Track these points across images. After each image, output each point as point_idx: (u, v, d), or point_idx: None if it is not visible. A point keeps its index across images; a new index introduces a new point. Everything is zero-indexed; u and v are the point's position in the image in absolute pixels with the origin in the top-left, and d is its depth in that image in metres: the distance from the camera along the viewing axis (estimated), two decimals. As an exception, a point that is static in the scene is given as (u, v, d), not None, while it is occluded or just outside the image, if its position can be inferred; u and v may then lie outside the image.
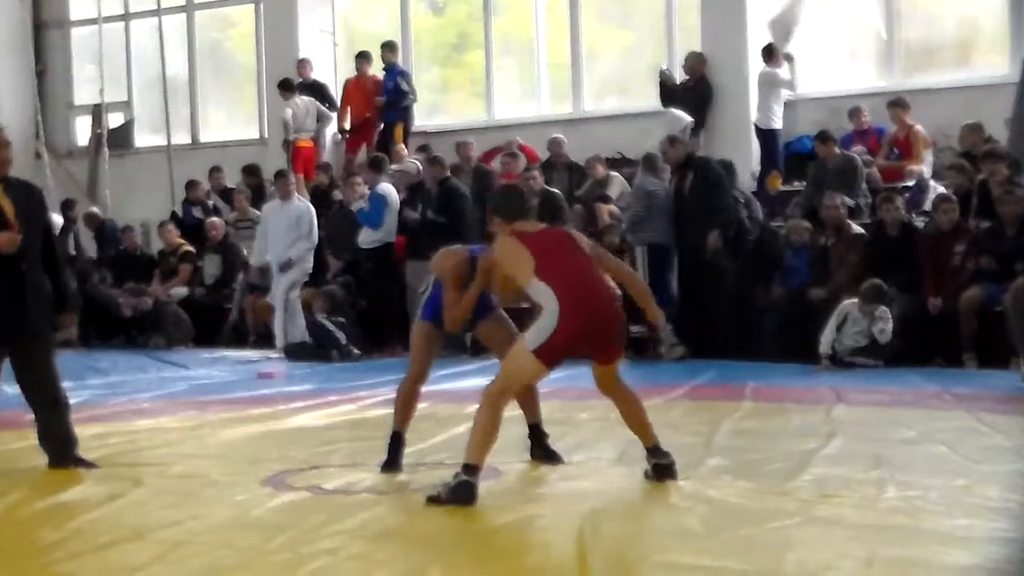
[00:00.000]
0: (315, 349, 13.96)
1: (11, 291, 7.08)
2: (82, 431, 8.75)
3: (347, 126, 17.91)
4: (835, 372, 11.31)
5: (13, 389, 10.87)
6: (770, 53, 15.07)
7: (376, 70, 17.56)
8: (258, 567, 5.12)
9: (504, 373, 6.26)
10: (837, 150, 13.89)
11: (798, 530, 5.49)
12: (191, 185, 18.25)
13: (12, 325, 7.12)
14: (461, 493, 5.93)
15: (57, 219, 15.71)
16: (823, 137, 14.00)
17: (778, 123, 15.07)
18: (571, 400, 9.14)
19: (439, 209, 14.00)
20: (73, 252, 17.87)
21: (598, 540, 5.27)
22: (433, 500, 5.99)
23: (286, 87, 17.58)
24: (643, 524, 5.68)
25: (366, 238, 14.72)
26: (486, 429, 6.09)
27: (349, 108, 17.82)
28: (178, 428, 9.06)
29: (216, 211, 17.72)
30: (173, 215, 18.25)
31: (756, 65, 15.31)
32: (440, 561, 5.09)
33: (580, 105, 17.45)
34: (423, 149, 14.91)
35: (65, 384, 11.37)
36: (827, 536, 5.36)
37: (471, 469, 5.99)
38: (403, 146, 16.86)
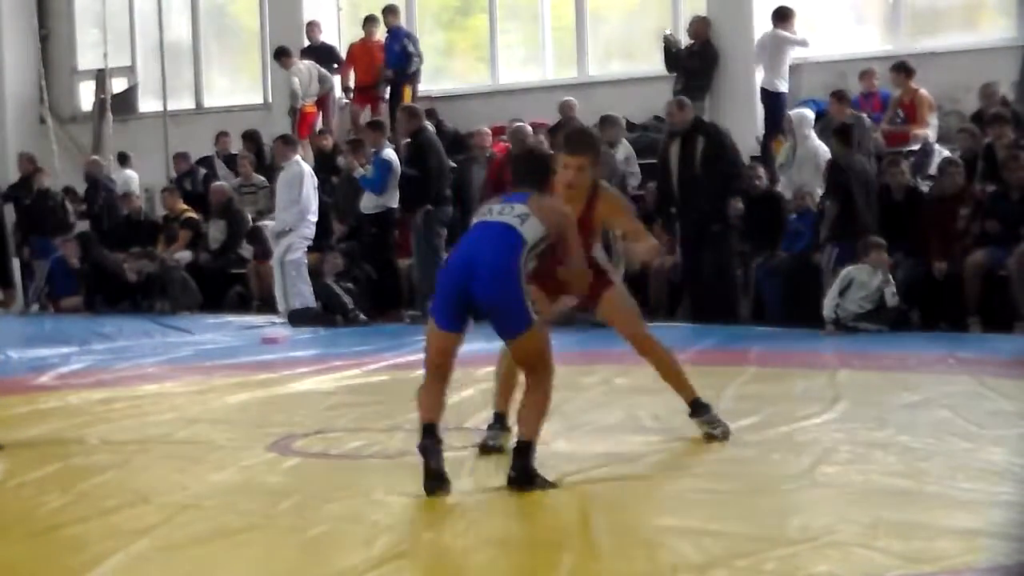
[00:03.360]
0: (319, 314, 13.97)
1: None
2: (87, 396, 8.83)
3: (351, 85, 17.85)
4: (839, 337, 11.31)
5: (18, 354, 11.00)
6: (780, 16, 14.96)
7: (382, 34, 17.49)
8: (264, 531, 5.13)
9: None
10: (848, 111, 13.88)
11: (802, 494, 5.51)
12: (177, 157, 18.32)
13: None
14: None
15: None
16: (838, 96, 13.94)
17: (784, 86, 15.01)
18: (576, 365, 9.16)
19: (410, 161, 14.00)
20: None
21: (601, 504, 5.29)
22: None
23: (284, 54, 17.53)
24: (649, 489, 5.68)
25: (368, 203, 14.70)
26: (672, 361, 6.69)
27: (353, 72, 17.76)
28: (183, 393, 9.08)
29: (208, 178, 17.76)
30: (172, 182, 18.27)
31: (761, 29, 15.23)
32: (443, 525, 5.10)
33: (585, 69, 17.39)
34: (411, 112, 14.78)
35: (70, 349, 11.60)
36: (831, 500, 5.38)
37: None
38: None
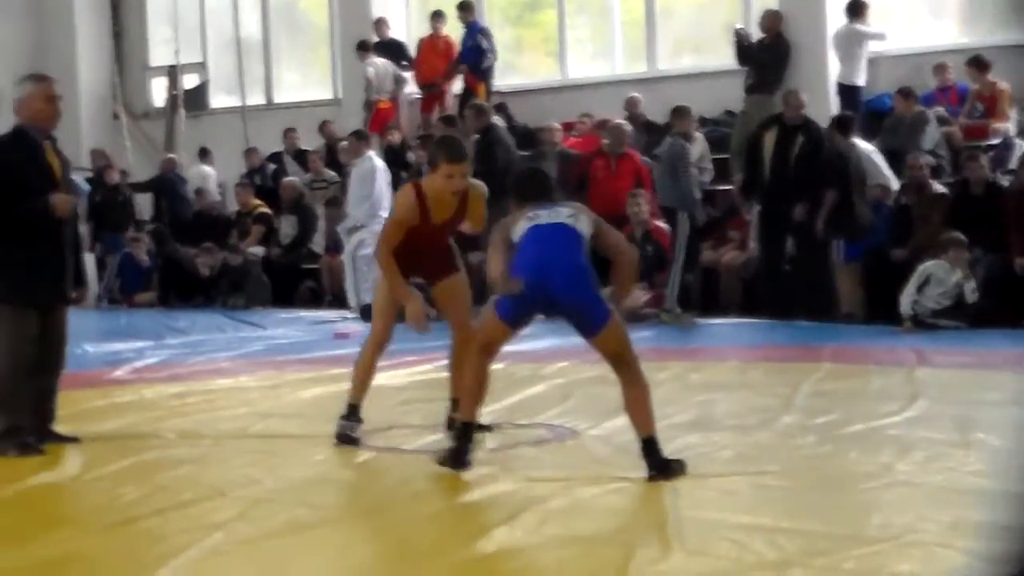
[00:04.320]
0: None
1: (56, 257, 6.79)
2: (162, 390, 8.88)
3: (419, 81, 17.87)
4: (918, 334, 11.15)
5: (96, 348, 11.08)
6: (854, 9, 14.80)
7: (450, 30, 17.49)
8: (337, 526, 5.14)
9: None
10: (917, 107, 13.73)
11: (881, 492, 5.43)
12: (248, 153, 18.44)
13: (54, 294, 6.84)
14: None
15: (83, 185, 15.77)
16: (904, 92, 13.81)
17: (861, 80, 14.85)
18: (649, 361, 9.07)
19: (479, 157, 13.98)
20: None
21: (680, 502, 5.24)
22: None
23: (363, 48, 17.60)
24: (724, 486, 5.63)
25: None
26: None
27: (423, 68, 17.76)
28: (256, 387, 9.11)
29: (278, 174, 17.83)
30: (243, 177, 18.38)
31: (833, 22, 15.07)
32: (516, 522, 5.07)
33: (654, 64, 17.29)
34: (483, 109, 14.75)
35: (145, 344, 11.68)
36: (910, 499, 5.30)
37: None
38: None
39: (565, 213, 5.89)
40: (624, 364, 5.81)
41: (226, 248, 16.43)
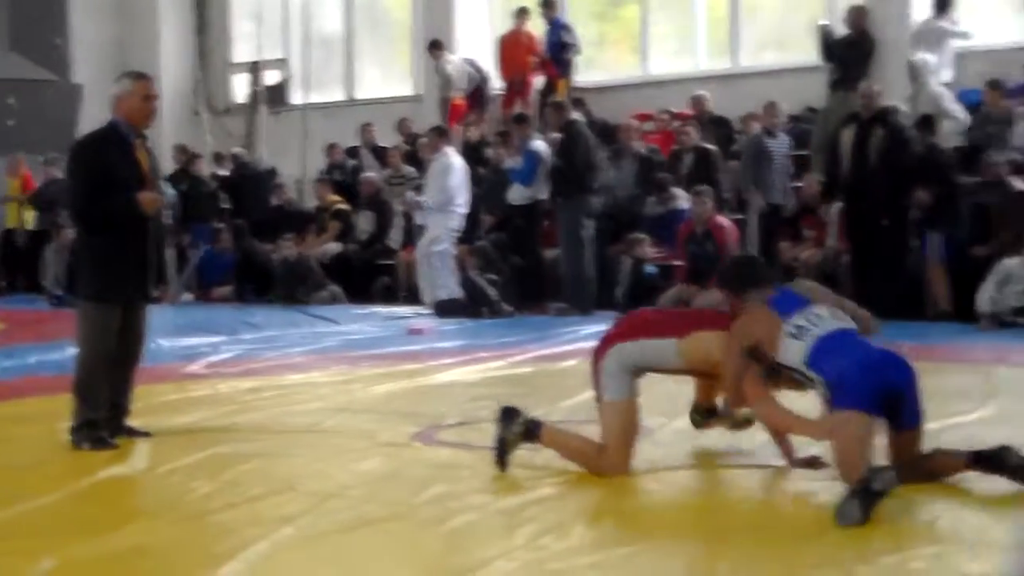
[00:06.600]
0: (465, 306, 14.00)
1: (140, 255, 6.84)
2: (235, 385, 8.94)
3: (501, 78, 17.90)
4: (998, 332, 10.98)
5: (171, 343, 11.18)
6: (940, 5, 14.57)
7: (532, 26, 17.48)
8: (407, 521, 5.13)
9: None
10: (1004, 102, 13.52)
11: (953, 492, 5.36)
12: (330, 148, 18.51)
13: (138, 290, 6.88)
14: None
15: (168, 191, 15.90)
16: (994, 84, 13.60)
17: (948, 75, 14.61)
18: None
19: (560, 153, 13.99)
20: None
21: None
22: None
23: (436, 47, 17.66)
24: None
25: (516, 195, 14.71)
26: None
27: (505, 64, 17.78)
28: (329, 383, 9.14)
29: (357, 170, 17.90)
30: (323, 173, 18.48)
31: (920, 17, 14.85)
32: (584, 518, 5.06)
33: (737, 60, 17.18)
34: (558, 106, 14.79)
35: (220, 338, 11.77)
36: (982, 499, 5.23)
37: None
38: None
39: (826, 314, 5.62)
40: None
41: (288, 248, 16.44)
